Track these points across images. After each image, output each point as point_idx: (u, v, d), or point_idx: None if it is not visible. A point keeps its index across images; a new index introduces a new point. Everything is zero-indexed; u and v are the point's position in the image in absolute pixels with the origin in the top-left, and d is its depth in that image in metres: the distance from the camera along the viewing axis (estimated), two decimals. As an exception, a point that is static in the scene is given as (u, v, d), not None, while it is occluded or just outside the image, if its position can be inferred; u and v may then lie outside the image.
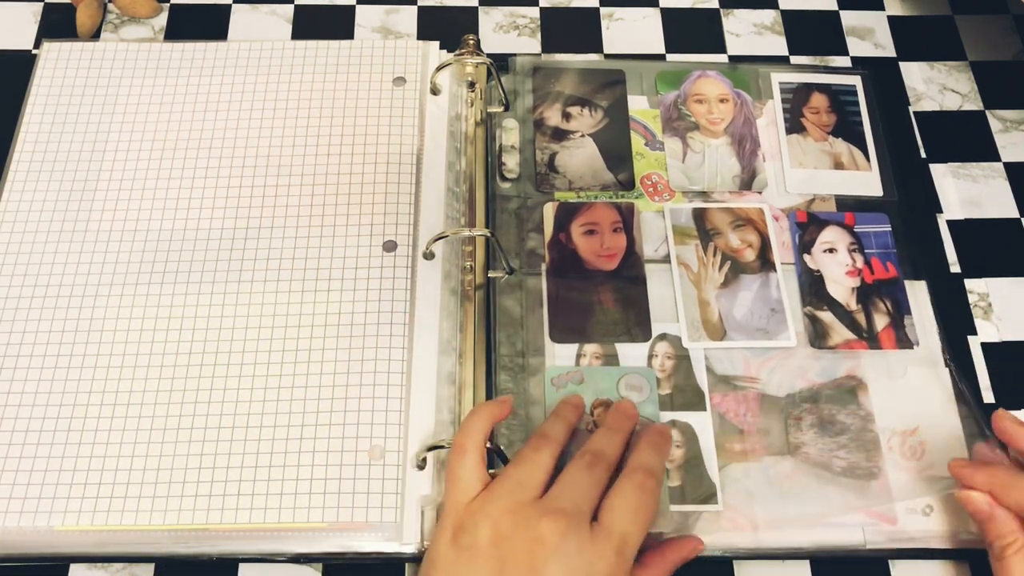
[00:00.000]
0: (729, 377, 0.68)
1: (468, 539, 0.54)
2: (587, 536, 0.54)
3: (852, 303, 0.71)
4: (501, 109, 0.79)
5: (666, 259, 0.73)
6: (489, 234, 0.70)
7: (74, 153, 0.75)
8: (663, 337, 0.70)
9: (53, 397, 0.66)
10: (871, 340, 0.69)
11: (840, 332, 0.70)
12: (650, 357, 0.69)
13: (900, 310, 0.71)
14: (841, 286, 0.71)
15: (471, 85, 0.80)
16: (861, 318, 0.70)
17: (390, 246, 0.71)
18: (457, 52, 0.79)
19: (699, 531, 0.63)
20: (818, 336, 0.70)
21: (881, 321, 0.70)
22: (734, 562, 0.64)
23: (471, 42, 0.80)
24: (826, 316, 0.70)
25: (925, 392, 0.68)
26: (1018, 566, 0.56)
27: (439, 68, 0.78)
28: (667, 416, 0.67)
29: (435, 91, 0.79)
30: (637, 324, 0.70)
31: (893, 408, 0.67)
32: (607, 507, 0.55)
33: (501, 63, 0.80)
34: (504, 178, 0.76)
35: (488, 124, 0.78)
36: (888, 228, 0.74)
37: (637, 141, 0.78)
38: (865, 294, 0.71)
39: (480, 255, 0.72)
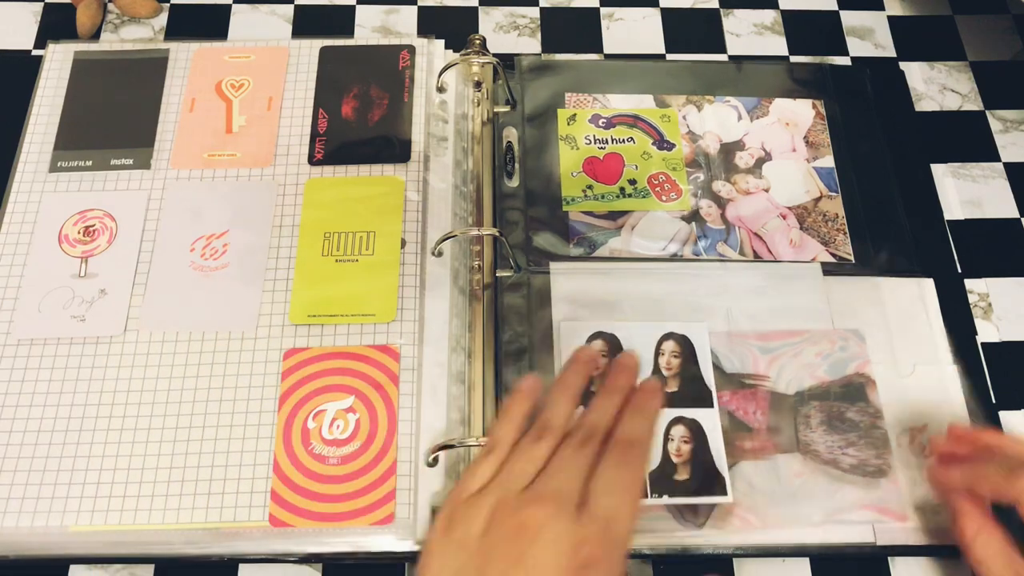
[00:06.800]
0: (738, 375, 0.69)
1: (459, 532, 0.54)
2: (572, 520, 0.53)
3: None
4: (507, 108, 0.79)
5: (673, 258, 0.73)
6: (497, 233, 0.70)
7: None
8: (670, 336, 0.70)
9: (64, 397, 0.66)
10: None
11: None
12: (657, 355, 0.69)
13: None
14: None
15: (477, 85, 0.80)
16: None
17: (400, 243, 0.71)
18: (463, 52, 0.79)
19: (709, 527, 0.63)
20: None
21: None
22: (734, 560, 0.64)
23: (477, 42, 0.79)
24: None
25: (933, 389, 0.69)
26: (983, 550, 0.59)
27: (446, 68, 0.78)
28: (674, 413, 0.67)
29: (441, 90, 0.79)
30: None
31: (902, 405, 0.68)
32: (591, 490, 0.55)
33: (507, 63, 0.80)
34: (511, 177, 0.76)
35: (495, 123, 0.78)
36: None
37: (644, 141, 0.78)
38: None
39: (488, 254, 0.72)
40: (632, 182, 0.77)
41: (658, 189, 0.76)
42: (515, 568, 0.51)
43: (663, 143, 0.78)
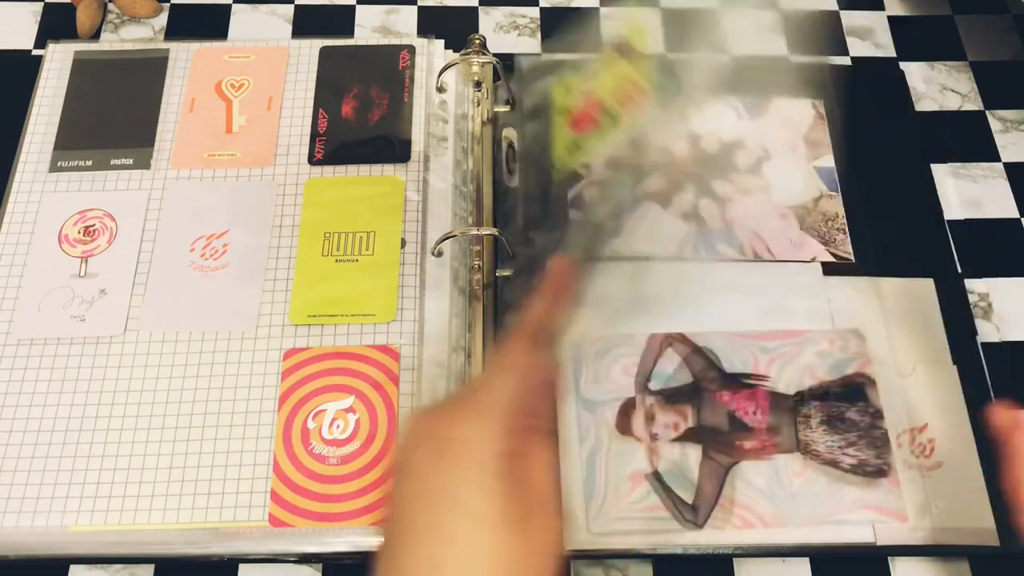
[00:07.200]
0: (738, 375, 0.69)
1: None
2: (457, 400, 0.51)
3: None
4: (507, 108, 0.79)
5: (672, 258, 0.73)
6: (497, 233, 0.70)
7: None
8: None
9: (64, 397, 0.66)
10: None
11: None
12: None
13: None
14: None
15: (477, 84, 0.80)
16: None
17: (400, 243, 0.71)
18: (463, 52, 0.79)
19: (709, 527, 0.63)
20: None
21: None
22: (734, 560, 0.64)
23: (477, 42, 0.80)
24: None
25: (933, 389, 0.69)
26: None
27: (446, 67, 0.79)
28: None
29: (441, 90, 0.79)
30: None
31: (902, 405, 0.68)
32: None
33: (507, 63, 0.80)
34: (511, 177, 0.76)
35: (495, 123, 0.78)
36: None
37: (612, 58, 0.77)
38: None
39: (488, 254, 0.72)
40: (607, 112, 0.76)
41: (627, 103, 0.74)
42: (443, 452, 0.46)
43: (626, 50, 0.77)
